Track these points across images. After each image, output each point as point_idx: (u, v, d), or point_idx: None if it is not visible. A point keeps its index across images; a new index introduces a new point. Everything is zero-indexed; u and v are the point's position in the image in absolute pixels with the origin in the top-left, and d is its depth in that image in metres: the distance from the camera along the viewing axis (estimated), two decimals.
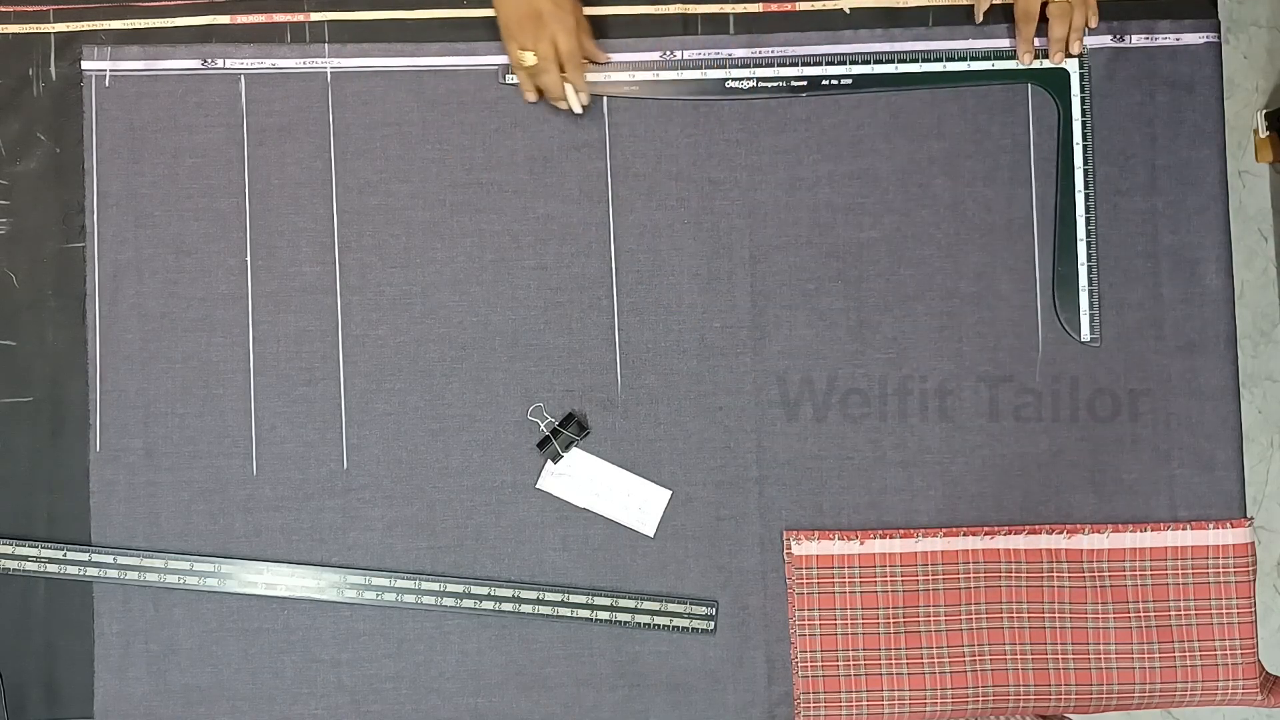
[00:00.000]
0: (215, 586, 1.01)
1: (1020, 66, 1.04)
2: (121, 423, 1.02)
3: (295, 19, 1.04)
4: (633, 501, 1.03)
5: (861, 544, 1.03)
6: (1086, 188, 1.04)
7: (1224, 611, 1.02)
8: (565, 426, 1.02)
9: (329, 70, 1.04)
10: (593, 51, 1.02)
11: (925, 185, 1.04)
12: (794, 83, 1.04)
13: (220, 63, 1.04)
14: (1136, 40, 1.05)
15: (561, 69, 0.99)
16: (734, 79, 1.04)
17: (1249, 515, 1.04)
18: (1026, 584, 1.03)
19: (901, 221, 1.04)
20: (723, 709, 1.03)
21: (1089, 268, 1.04)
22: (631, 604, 1.02)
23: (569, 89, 1.00)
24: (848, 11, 1.05)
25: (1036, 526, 1.03)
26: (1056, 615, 1.02)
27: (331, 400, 1.03)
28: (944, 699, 1.02)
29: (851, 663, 1.02)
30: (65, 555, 1.01)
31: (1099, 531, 1.03)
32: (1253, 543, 1.04)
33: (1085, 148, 1.04)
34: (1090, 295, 1.04)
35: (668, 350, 1.04)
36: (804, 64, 1.04)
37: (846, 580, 1.02)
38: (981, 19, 1.04)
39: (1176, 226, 1.05)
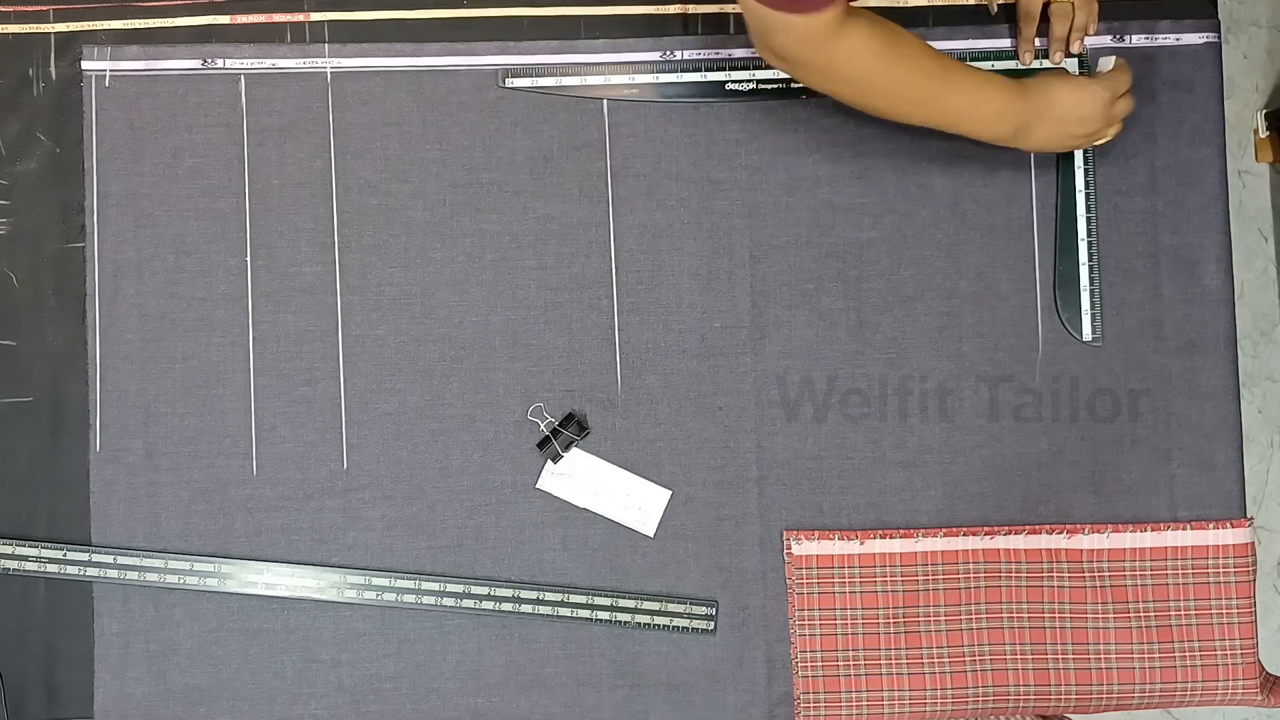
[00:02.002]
0: (215, 586, 1.01)
1: (1020, 66, 1.04)
2: (121, 423, 1.02)
3: (295, 19, 1.04)
4: (633, 501, 1.03)
5: (861, 544, 1.03)
6: (1086, 188, 1.04)
7: (1224, 611, 1.02)
8: (565, 426, 1.02)
9: (329, 70, 1.04)
10: None
11: (925, 185, 1.04)
12: (794, 84, 1.04)
13: (220, 63, 1.04)
14: (1136, 40, 1.05)
15: None
16: (734, 81, 1.04)
17: (1249, 515, 1.04)
18: (1026, 584, 1.03)
19: (901, 221, 1.04)
20: (723, 709, 1.03)
21: (1089, 268, 1.04)
22: (631, 604, 1.02)
23: None
24: None
25: (1036, 526, 1.03)
26: (1056, 615, 1.02)
27: (331, 400, 1.03)
28: (944, 699, 1.02)
29: (851, 663, 1.02)
30: (65, 555, 1.01)
31: (1099, 531, 1.03)
32: (1253, 543, 1.04)
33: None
34: (1092, 295, 1.04)
35: (668, 350, 1.04)
36: None
37: (846, 580, 1.02)
38: (995, 10, 1.04)
39: (1176, 226, 1.05)
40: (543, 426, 1.03)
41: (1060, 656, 1.02)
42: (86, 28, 1.04)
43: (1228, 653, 1.02)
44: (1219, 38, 1.05)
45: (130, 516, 1.02)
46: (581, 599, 1.02)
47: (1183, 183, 1.05)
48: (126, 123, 1.03)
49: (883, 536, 1.03)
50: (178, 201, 1.03)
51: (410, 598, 1.02)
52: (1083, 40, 1.03)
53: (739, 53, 1.04)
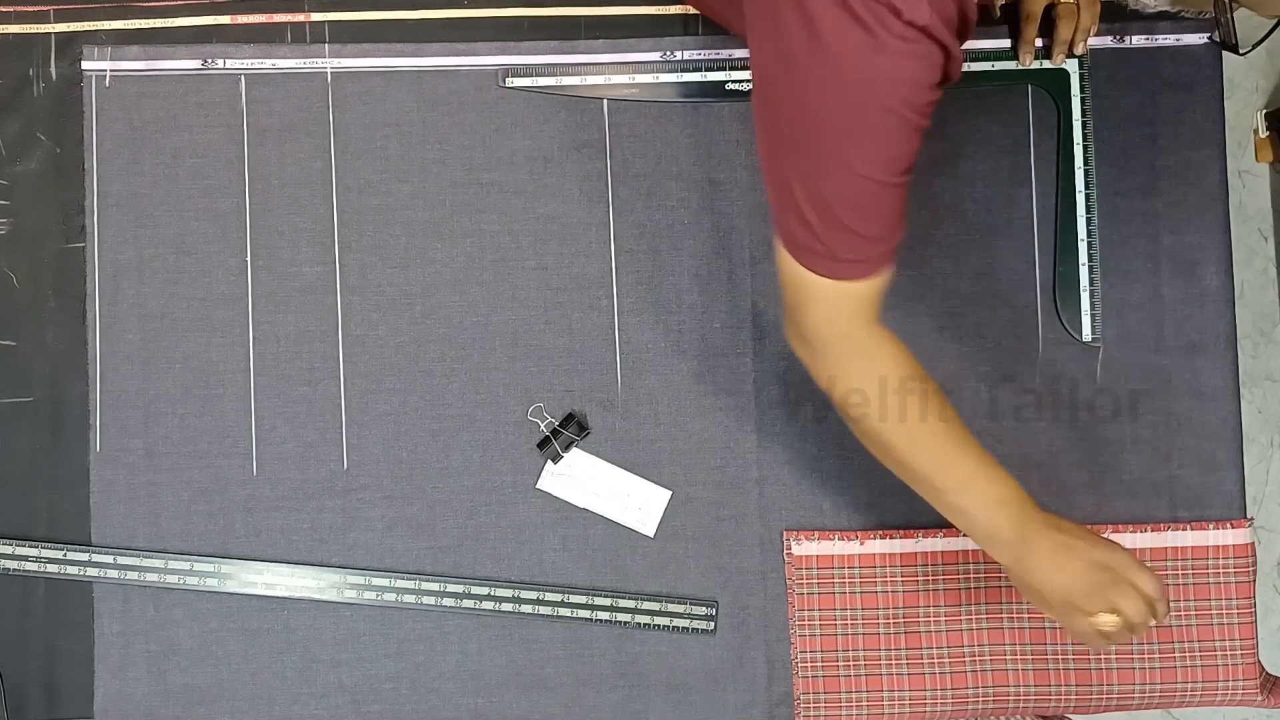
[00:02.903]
0: (215, 586, 1.01)
1: (1020, 67, 1.04)
2: (121, 423, 1.02)
3: (295, 19, 1.04)
4: (633, 501, 1.03)
5: (861, 544, 1.03)
6: (1086, 188, 1.04)
7: (1224, 611, 1.02)
8: (565, 427, 1.02)
9: (329, 70, 1.04)
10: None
11: (925, 185, 1.04)
12: None
13: (220, 63, 1.04)
14: (1137, 41, 1.05)
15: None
16: (734, 81, 1.04)
17: (1249, 515, 1.04)
18: None
19: None
20: (723, 709, 1.03)
21: (1089, 268, 1.04)
22: (631, 604, 1.02)
23: None
24: None
25: None
26: None
27: (331, 400, 1.03)
28: (944, 699, 1.02)
29: (851, 663, 1.02)
30: (65, 555, 1.01)
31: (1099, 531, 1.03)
32: (1253, 543, 1.04)
33: (1085, 148, 1.04)
34: (1091, 295, 1.04)
35: (668, 350, 1.04)
36: None
37: (846, 580, 1.02)
38: (998, 13, 1.04)
39: (1176, 226, 1.05)
40: (543, 427, 1.03)
41: (1060, 656, 1.02)
42: (87, 28, 1.03)
43: (1228, 653, 1.02)
44: None
45: (130, 516, 1.02)
46: (581, 599, 1.02)
47: (1183, 183, 1.05)
48: (126, 123, 1.03)
49: (883, 536, 1.03)
50: (178, 201, 1.03)
51: (410, 598, 1.02)
52: (1086, 41, 1.02)
53: (739, 53, 1.04)
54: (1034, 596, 0.85)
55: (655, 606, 1.02)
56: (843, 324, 0.81)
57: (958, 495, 0.83)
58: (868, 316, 0.81)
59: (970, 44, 1.04)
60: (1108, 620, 0.82)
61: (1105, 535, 1.02)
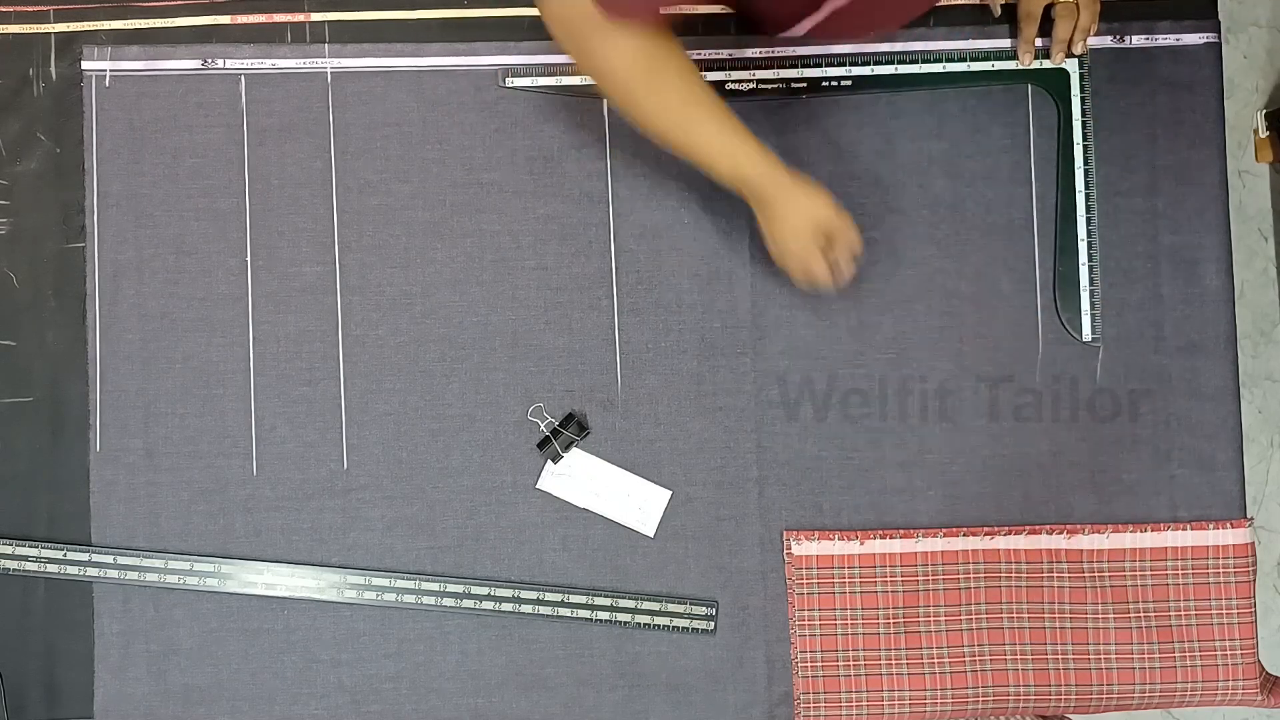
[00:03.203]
0: (215, 586, 1.01)
1: (1020, 67, 1.04)
2: (121, 423, 1.02)
3: (295, 19, 1.04)
4: (633, 501, 1.03)
5: (861, 544, 1.03)
6: (1086, 188, 1.04)
7: (1224, 611, 1.02)
8: (565, 427, 1.02)
9: (329, 70, 1.04)
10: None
11: (925, 185, 1.04)
12: (794, 84, 1.04)
13: (220, 63, 1.04)
14: (1137, 41, 1.05)
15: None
16: (734, 81, 1.04)
17: (1249, 515, 1.04)
18: (1026, 584, 1.03)
19: (901, 221, 1.04)
20: (723, 709, 1.03)
21: (1089, 268, 1.04)
22: (631, 604, 1.02)
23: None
24: None
25: (1036, 527, 1.03)
26: (1056, 615, 1.02)
27: (331, 400, 1.03)
28: (944, 699, 1.02)
29: (851, 663, 1.02)
30: (65, 555, 1.01)
31: (1099, 531, 1.03)
32: (1253, 543, 1.04)
33: (1085, 148, 1.04)
34: (1091, 295, 1.04)
35: (668, 350, 1.04)
36: (804, 65, 1.04)
37: (846, 580, 1.02)
38: (999, 12, 1.04)
39: (1176, 226, 1.05)
40: (543, 427, 1.03)
41: (1060, 656, 1.02)
42: (87, 28, 1.04)
43: (1228, 653, 1.02)
44: (1219, 38, 1.05)
45: (130, 516, 1.02)
46: (581, 599, 1.02)
47: (1183, 183, 1.05)
48: (126, 123, 1.03)
49: (883, 536, 1.03)
50: (178, 201, 1.03)
51: (410, 598, 1.02)
52: (1085, 41, 1.03)
53: (738, 53, 1.04)
54: (769, 237, 0.94)
55: (655, 606, 1.02)
56: (582, 19, 0.83)
57: (697, 144, 0.89)
58: (605, 30, 0.83)
59: (970, 44, 1.04)
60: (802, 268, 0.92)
61: (1105, 535, 1.03)
